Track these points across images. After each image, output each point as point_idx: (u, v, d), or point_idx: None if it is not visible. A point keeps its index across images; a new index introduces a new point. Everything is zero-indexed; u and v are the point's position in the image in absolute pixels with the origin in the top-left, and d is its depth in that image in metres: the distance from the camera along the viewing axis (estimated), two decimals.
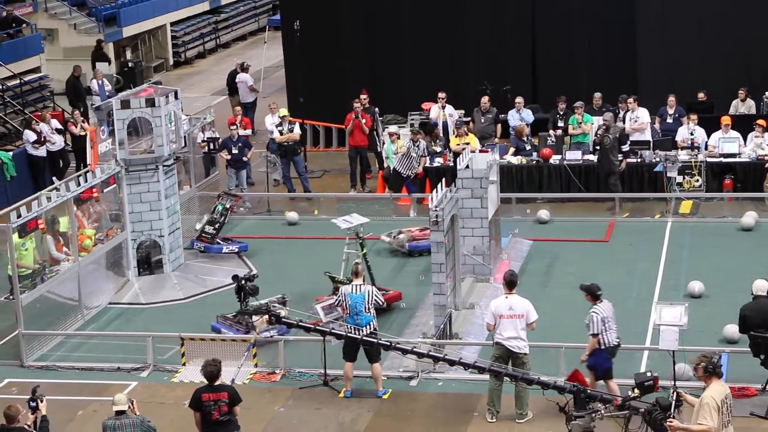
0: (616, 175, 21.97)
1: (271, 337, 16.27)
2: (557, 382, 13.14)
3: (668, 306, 13.84)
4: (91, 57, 33.45)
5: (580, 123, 23.50)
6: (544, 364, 14.62)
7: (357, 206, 22.82)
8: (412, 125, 25.04)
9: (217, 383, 12.54)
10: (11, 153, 25.17)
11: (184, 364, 16.11)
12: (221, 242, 20.70)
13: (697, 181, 21.97)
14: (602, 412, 12.27)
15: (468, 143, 22.39)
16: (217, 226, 20.79)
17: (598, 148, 22.24)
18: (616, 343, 14.15)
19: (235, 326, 16.86)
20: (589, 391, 12.73)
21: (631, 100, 23.73)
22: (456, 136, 23.39)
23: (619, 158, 21.95)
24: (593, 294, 14.15)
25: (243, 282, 16.35)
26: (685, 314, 13.59)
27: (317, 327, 14.96)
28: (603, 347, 14.01)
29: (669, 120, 23.80)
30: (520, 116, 24.60)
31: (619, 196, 21.94)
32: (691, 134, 22.73)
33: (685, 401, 11.65)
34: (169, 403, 15.09)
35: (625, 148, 22.05)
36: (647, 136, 23.42)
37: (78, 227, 18.18)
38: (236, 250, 20.56)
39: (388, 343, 14.36)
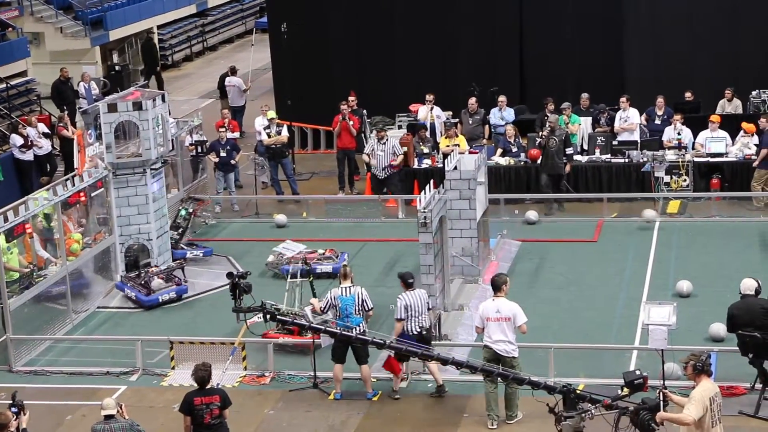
0: (563, 177, 22.01)
1: (170, 298, 18.24)
2: (547, 383, 13.15)
3: (657, 305, 13.88)
4: (142, 49, 33.70)
5: (568, 123, 23.52)
6: (533, 364, 14.61)
7: (345, 208, 22.88)
8: (399, 127, 25.02)
9: (208, 386, 12.53)
10: None
11: (173, 368, 16.08)
12: (185, 247, 20.60)
13: (685, 180, 22.01)
14: (592, 412, 12.27)
15: (458, 144, 22.40)
16: (180, 230, 20.73)
17: (542, 150, 22.23)
18: (416, 332, 14.63)
19: (136, 287, 18.14)
20: (578, 391, 12.74)
21: (623, 99, 23.76)
22: (446, 137, 23.39)
23: (564, 161, 21.98)
24: (405, 282, 14.91)
25: (237, 280, 16.36)
26: (674, 314, 13.63)
27: (312, 325, 14.92)
28: (408, 334, 14.57)
29: (657, 121, 23.83)
30: (501, 114, 24.62)
31: (605, 196, 22.00)
32: (678, 134, 22.78)
33: (671, 401, 11.67)
34: (159, 407, 15.06)
35: (570, 151, 22.08)
36: (635, 136, 23.48)
37: (65, 231, 18.12)
38: (200, 255, 20.46)
39: (382, 342, 14.34)
